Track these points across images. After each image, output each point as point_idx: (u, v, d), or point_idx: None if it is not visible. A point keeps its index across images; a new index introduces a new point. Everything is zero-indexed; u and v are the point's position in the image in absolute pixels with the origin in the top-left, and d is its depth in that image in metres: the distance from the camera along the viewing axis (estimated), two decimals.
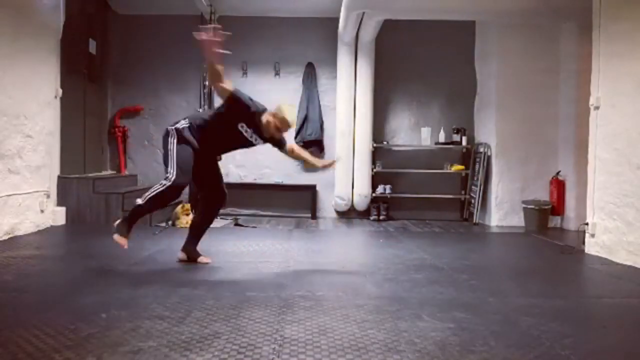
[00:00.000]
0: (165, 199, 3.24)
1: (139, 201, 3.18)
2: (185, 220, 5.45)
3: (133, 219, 3.23)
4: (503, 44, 6.18)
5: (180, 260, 3.55)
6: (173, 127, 3.32)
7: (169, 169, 3.22)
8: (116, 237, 3.19)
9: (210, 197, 3.59)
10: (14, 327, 2.13)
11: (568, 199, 5.93)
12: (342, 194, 6.53)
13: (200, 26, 3.01)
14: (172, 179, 3.16)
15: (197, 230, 3.62)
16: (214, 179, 3.57)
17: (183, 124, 3.33)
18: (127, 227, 3.20)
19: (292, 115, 3.48)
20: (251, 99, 3.38)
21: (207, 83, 6.55)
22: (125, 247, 3.22)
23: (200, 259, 3.55)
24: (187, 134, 3.29)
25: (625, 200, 3.88)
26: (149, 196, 3.17)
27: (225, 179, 6.88)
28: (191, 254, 3.56)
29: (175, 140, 3.27)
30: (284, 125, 3.39)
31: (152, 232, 4.91)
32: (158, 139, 6.86)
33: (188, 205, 5.67)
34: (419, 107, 6.94)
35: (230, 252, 4.01)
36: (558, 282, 3.33)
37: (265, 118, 3.39)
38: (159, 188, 3.17)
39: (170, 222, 5.49)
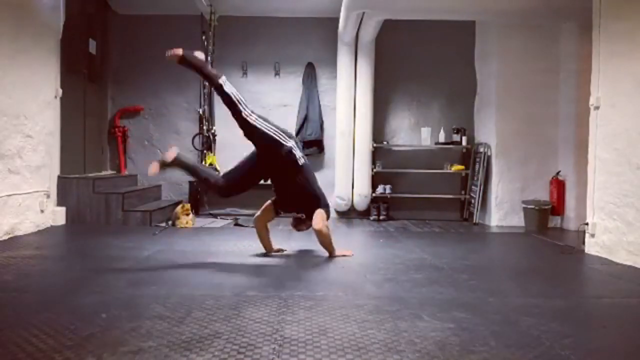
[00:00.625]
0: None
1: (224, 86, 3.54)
2: (186, 220, 5.45)
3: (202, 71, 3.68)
4: (503, 44, 6.18)
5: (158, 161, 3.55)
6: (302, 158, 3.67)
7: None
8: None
9: (221, 185, 3.67)
10: (14, 327, 2.14)
11: (568, 199, 5.93)
12: (342, 194, 6.53)
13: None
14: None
15: (193, 169, 3.71)
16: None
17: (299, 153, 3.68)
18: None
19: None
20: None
21: (206, 83, 6.55)
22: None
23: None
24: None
25: (625, 200, 3.88)
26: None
27: None
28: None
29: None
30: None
31: (152, 232, 4.92)
32: (158, 139, 6.88)
33: (188, 205, 5.67)
34: (419, 107, 6.94)
35: (230, 252, 4.01)
36: (558, 282, 3.33)
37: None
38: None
39: (170, 222, 5.49)
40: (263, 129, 3.58)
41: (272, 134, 3.58)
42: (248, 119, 3.56)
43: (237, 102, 3.54)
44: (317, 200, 3.75)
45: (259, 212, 3.91)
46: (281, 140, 3.58)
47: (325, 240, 3.80)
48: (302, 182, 3.67)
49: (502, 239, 5.36)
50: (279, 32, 6.80)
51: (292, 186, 3.68)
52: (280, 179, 3.71)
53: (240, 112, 3.55)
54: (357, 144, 6.51)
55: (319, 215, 3.71)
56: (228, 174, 3.72)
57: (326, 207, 3.81)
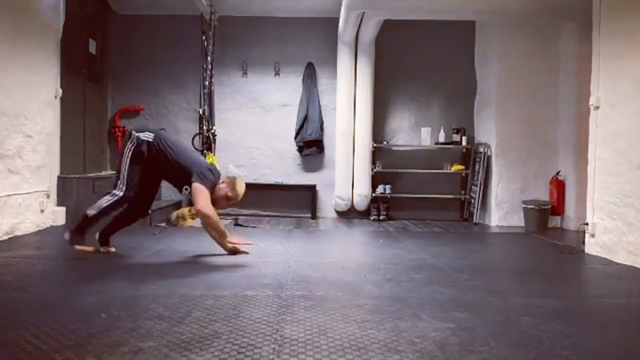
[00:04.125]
0: (115, 209, 3.60)
1: (90, 211, 3.50)
2: (190, 222, 5.45)
3: (83, 228, 3.57)
4: (503, 44, 6.18)
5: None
6: (136, 135, 3.50)
7: (119, 182, 3.52)
8: (78, 247, 3.55)
9: (138, 206, 3.74)
10: (14, 327, 2.13)
11: (568, 199, 5.93)
12: (342, 194, 6.53)
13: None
14: (122, 193, 3.51)
15: (117, 225, 3.78)
16: (149, 194, 3.78)
17: (147, 136, 3.51)
18: (80, 236, 3.56)
19: (242, 189, 3.71)
20: (211, 175, 3.56)
21: (206, 83, 6.56)
22: (91, 251, 3.59)
23: (108, 249, 3.71)
24: (144, 149, 3.50)
25: (625, 200, 3.88)
26: (101, 207, 3.50)
27: None
28: (106, 243, 3.71)
29: (130, 152, 3.50)
30: (234, 197, 3.66)
31: (152, 232, 4.91)
32: None
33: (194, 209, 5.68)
34: (419, 107, 6.94)
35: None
36: (558, 282, 3.33)
37: (222, 188, 3.62)
38: (110, 200, 3.50)
39: (167, 224, 5.46)
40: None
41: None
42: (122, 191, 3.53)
43: (108, 203, 3.52)
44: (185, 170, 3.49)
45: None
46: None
47: (212, 224, 3.49)
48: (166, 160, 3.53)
49: (502, 239, 5.36)
50: (279, 32, 6.80)
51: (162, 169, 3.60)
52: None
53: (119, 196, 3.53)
54: (357, 144, 6.51)
55: (197, 191, 3.41)
56: (143, 197, 3.71)
57: (203, 178, 3.44)
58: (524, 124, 6.15)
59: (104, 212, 3.51)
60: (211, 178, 3.53)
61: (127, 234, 4.82)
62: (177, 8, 6.45)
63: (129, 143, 3.51)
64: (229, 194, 3.61)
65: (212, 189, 3.55)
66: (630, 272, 3.59)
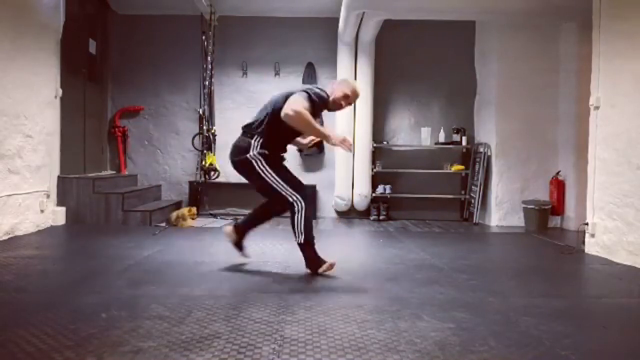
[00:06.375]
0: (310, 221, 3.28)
1: (301, 239, 3.19)
2: (190, 222, 5.45)
3: (316, 255, 3.26)
4: (503, 44, 6.18)
5: (227, 236, 3.51)
6: (253, 154, 3.21)
7: (287, 196, 3.21)
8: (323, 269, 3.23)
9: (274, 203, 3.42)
10: (14, 327, 2.13)
11: (568, 199, 5.93)
12: (342, 194, 6.53)
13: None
14: (302, 203, 3.22)
15: (254, 222, 3.52)
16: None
17: (259, 148, 3.22)
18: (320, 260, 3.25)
19: (356, 85, 3.45)
20: (316, 94, 3.18)
21: (206, 83, 6.55)
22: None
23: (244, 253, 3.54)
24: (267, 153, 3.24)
25: (625, 200, 3.88)
26: (303, 229, 3.18)
27: (226, 179, 6.86)
28: (240, 240, 3.51)
29: (263, 164, 3.23)
30: (352, 94, 3.33)
31: (152, 232, 4.91)
32: (158, 139, 6.88)
33: (194, 209, 5.68)
34: (419, 107, 6.94)
35: (230, 252, 4.00)
36: (558, 282, 3.33)
37: (336, 90, 3.31)
38: (300, 218, 3.18)
39: (166, 224, 5.47)
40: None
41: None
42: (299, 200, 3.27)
43: (303, 221, 3.22)
44: None
45: None
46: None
47: (303, 118, 3.02)
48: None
49: (502, 239, 5.36)
50: (279, 32, 6.80)
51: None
52: None
53: (302, 209, 3.23)
54: (357, 144, 6.51)
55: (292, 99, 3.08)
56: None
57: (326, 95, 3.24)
58: (524, 124, 6.15)
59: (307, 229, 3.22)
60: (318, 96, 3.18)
61: (128, 234, 4.83)
62: (177, 8, 6.45)
63: (255, 164, 3.24)
64: (347, 92, 3.28)
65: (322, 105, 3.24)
66: (630, 272, 3.59)
